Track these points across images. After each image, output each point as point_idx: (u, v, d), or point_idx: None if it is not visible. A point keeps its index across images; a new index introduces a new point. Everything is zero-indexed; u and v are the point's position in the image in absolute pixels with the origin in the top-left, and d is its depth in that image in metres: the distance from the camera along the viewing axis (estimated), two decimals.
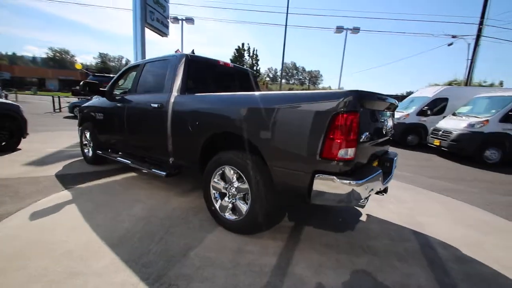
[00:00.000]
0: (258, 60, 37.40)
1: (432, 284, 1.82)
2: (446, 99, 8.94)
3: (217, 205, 2.45)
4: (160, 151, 3.05)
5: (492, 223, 3.01)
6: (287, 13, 18.98)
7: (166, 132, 2.86)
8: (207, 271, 1.80)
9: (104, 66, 67.63)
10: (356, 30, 18.37)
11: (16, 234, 2.15)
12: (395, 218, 2.91)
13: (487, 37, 18.99)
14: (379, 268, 1.96)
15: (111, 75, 21.03)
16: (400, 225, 2.75)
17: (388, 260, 2.09)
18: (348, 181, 1.71)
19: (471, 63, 18.04)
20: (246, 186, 2.18)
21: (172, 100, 2.81)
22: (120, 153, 3.91)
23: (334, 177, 1.72)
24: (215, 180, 2.44)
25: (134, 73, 4.58)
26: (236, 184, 2.30)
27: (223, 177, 2.42)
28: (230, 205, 2.37)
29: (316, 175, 1.78)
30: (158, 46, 48.73)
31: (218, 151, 2.45)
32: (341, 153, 1.70)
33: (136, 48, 13.92)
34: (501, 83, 41.46)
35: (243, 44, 37.20)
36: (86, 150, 4.58)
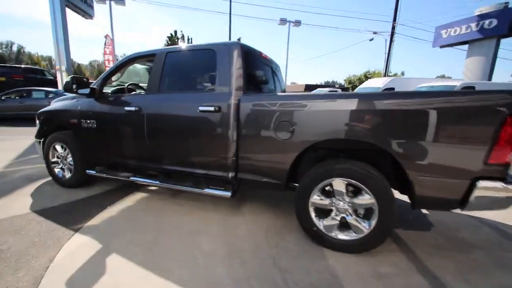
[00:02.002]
0: None
1: None
2: (393, 89, 10.20)
3: (320, 225, 2.10)
4: (213, 165, 2.44)
5: None
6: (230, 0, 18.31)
7: (227, 141, 2.29)
8: None
9: None
10: (298, 23, 19.11)
11: None
12: None
13: (399, 34, 22.43)
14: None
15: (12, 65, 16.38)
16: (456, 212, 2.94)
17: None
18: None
19: (388, 56, 21.16)
20: (369, 200, 1.91)
21: (234, 101, 2.25)
22: (120, 170, 3.01)
23: (501, 183, 1.63)
24: (316, 196, 2.08)
25: (139, 67, 3.62)
26: (350, 199, 2.00)
27: (325, 191, 2.08)
28: (338, 223, 2.07)
29: (477, 182, 1.66)
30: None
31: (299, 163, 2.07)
32: (511, 157, 1.62)
33: (57, 33, 11.20)
34: (402, 73, 50.47)
35: (175, 32, 34.40)
36: (58, 170, 3.39)
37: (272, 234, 2.33)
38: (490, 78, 16.54)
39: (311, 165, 2.16)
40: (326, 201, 2.07)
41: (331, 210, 2.09)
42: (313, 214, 2.11)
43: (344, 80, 48.12)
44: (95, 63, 73.90)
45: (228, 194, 2.37)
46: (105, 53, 15.44)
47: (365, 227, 1.96)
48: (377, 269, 1.88)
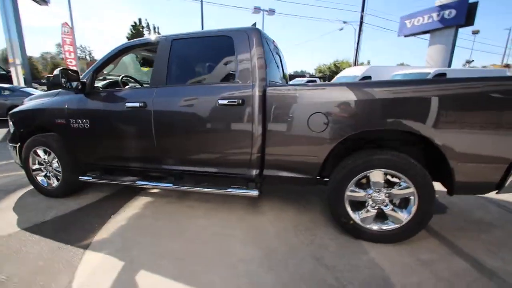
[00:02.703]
0: None
1: None
2: (370, 77, 10.54)
3: (357, 218, 2.04)
4: (234, 162, 2.26)
5: None
6: None
7: (251, 137, 2.12)
8: None
9: None
10: (272, 12, 18.85)
11: None
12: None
13: (368, 24, 23.29)
14: None
15: None
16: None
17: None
18: None
19: (357, 45, 21.85)
20: (408, 190, 1.89)
21: (259, 93, 2.07)
22: (121, 173, 2.70)
23: None
24: (352, 189, 2.01)
25: (134, 58, 3.23)
26: (387, 189, 1.96)
27: (361, 184, 2.03)
28: (374, 215, 2.03)
29: None
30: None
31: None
32: None
33: (7, 21, 9.82)
34: (368, 62, 52.63)
35: (140, 20, 32.26)
36: (42, 178, 2.96)
37: (302, 231, 2.24)
38: (450, 65, 17.81)
39: (339, 157, 2.08)
40: (362, 193, 2.02)
41: (366, 202, 2.04)
42: (349, 208, 2.05)
43: (315, 70, 49.04)
44: (48, 55, 66.94)
45: (254, 193, 2.22)
46: (64, 43, 13.93)
47: (404, 216, 1.95)
48: (419, 257, 1.88)
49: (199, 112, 2.23)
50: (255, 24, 2.28)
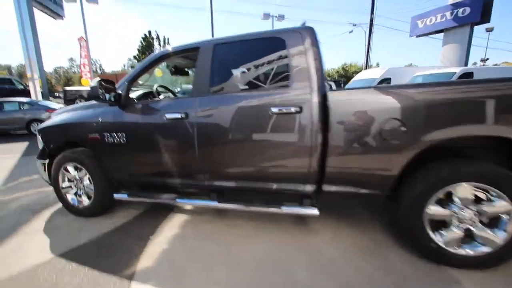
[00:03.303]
0: None
1: None
2: (389, 79, 10.22)
3: (439, 240, 1.76)
4: (288, 177, 2.03)
5: None
6: None
7: (310, 148, 1.88)
8: None
9: None
10: (281, 17, 18.83)
11: None
12: None
13: (378, 25, 22.96)
14: None
15: None
16: None
17: None
18: None
19: (368, 48, 21.52)
20: (506, 207, 1.60)
21: (318, 99, 1.84)
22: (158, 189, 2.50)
23: None
24: (433, 205, 1.74)
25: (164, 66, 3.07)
26: (477, 206, 1.68)
27: (441, 200, 1.75)
28: (460, 235, 1.74)
29: None
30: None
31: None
32: None
33: (25, 37, 10.00)
34: (377, 64, 52.07)
35: (150, 32, 32.89)
36: (72, 197, 2.78)
37: (370, 254, 1.97)
38: (466, 64, 17.27)
39: (413, 168, 1.81)
40: (446, 211, 1.74)
41: (450, 221, 1.76)
42: (428, 228, 1.77)
43: None
44: (61, 69, 69.04)
45: (314, 212, 1.97)
46: (80, 57, 14.18)
47: (498, 237, 1.65)
48: None
49: (248, 122, 2.01)
50: (304, 23, 2.07)
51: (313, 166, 1.92)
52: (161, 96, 2.78)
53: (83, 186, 2.73)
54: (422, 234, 1.78)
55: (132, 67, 35.80)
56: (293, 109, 1.87)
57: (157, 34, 32.98)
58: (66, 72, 65.42)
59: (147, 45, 32.47)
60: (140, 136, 2.34)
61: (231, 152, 2.11)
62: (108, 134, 2.42)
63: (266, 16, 18.32)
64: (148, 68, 2.43)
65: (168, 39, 33.54)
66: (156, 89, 2.70)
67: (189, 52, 2.34)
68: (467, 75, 8.01)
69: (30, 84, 10.68)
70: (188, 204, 2.36)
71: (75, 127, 2.62)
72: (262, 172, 2.09)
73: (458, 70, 8.12)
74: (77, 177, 2.72)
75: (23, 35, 10.04)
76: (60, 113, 2.94)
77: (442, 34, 18.72)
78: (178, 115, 2.16)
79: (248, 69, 2.11)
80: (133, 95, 2.65)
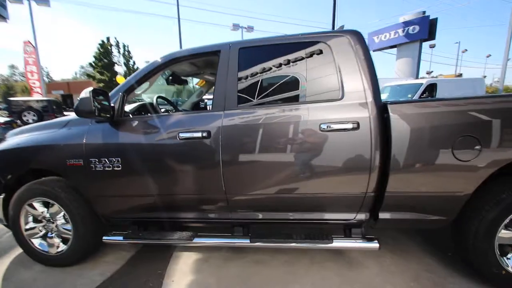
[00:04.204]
0: (131, 57, 32.06)
1: None
2: None
3: (508, 266, 1.58)
4: (339, 204, 1.72)
5: None
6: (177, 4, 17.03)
7: (366, 170, 1.60)
8: None
9: None
10: (250, 29, 18.91)
11: None
12: None
13: None
14: None
15: None
16: None
17: None
18: None
19: None
20: None
21: (376, 113, 1.58)
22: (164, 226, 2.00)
23: None
24: (506, 229, 1.56)
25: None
26: None
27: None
28: None
29: None
30: None
31: None
32: None
33: None
34: None
35: (108, 39, 30.69)
36: (40, 242, 2.12)
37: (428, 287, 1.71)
38: (417, 76, 19.12)
39: (485, 189, 1.62)
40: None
41: None
42: (498, 254, 1.58)
43: None
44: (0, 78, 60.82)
45: (374, 245, 1.67)
46: (26, 63, 12.42)
47: None
48: None
49: (290, 141, 1.66)
50: (343, 26, 1.81)
51: (370, 191, 1.63)
52: (162, 110, 2.29)
53: (56, 226, 2.08)
54: (491, 260, 1.58)
55: (88, 75, 32.87)
56: (348, 125, 1.57)
57: (117, 41, 30.91)
58: (6, 81, 57.85)
59: (104, 51, 30.17)
60: (143, 161, 1.83)
61: (266, 178, 1.73)
62: (96, 159, 1.86)
63: (236, 26, 18.25)
64: (150, 74, 1.95)
65: (128, 46, 31.65)
66: (156, 100, 2.20)
67: (205, 57, 1.94)
68: (431, 86, 8.68)
69: None
70: (208, 244, 1.89)
71: (46, 152, 1.99)
72: (305, 200, 1.74)
73: (424, 81, 8.74)
74: (47, 216, 2.07)
75: None
76: (19, 134, 2.26)
77: (395, 49, 20.56)
78: (197, 134, 1.72)
79: (283, 79, 1.77)
80: (127, 108, 2.13)
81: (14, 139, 2.19)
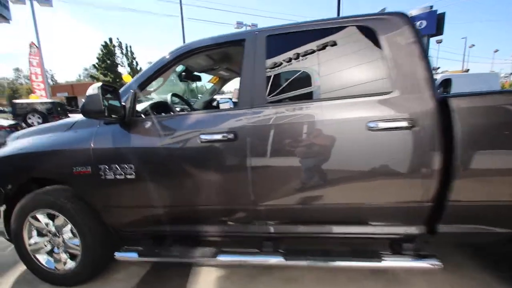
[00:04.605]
0: (134, 58, 31.96)
1: None
2: None
3: None
4: (390, 215, 1.48)
5: None
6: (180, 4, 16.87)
7: (425, 175, 1.35)
8: None
9: None
10: (254, 26, 18.62)
11: None
12: None
13: None
14: None
15: None
16: None
17: None
18: None
19: None
20: None
21: (435, 107, 1.32)
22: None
23: None
24: None
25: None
26: None
27: None
28: None
29: None
30: None
31: None
32: None
33: None
34: None
35: (111, 40, 30.64)
36: (45, 258, 1.91)
37: None
38: None
39: None
40: None
41: None
42: None
43: None
44: (4, 81, 61.35)
45: (436, 263, 1.42)
46: (30, 65, 12.32)
47: None
48: None
49: (329, 143, 1.42)
50: (384, 9, 1.57)
51: (427, 200, 1.38)
52: (177, 109, 2.06)
53: (63, 241, 1.87)
54: None
55: (91, 76, 32.91)
56: (401, 123, 1.32)
57: (120, 42, 30.83)
58: (11, 83, 58.39)
59: (107, 52, 30.14)
60: (159, 167, 1.61)
61: (302, 186, 1.49)
62: (106, 166, 1.63)
63: (239, 25, 18.01)
64: (165, 68, 1.72)
65: (130, 46, 31.56)
66: (171, 98, 1.97)
67: (227, 47, 1.70)
68: (446, 81, 8.36)
69: None
70: (234, 262, 1.65)
71: (49, 159, 1.77)
72: (348, 211, 1.50)
73: (439, 76, 8.43)
74: (52, 229, 1.86)
75: None
76: (21, 137, 2.05)
77: None
78: (221, 136, 1.49)
79: (320, 69, 1.52)
80: (138, 107, 1.90)
81: (15, 143, 1.98)
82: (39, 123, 9.89)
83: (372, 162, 1.39)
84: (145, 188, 1.64)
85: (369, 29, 1.45)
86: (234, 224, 1.66)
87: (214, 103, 3.35)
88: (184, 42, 17.44)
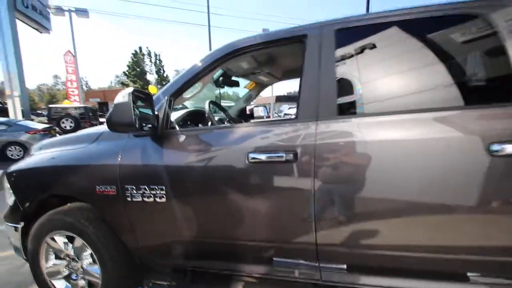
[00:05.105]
0: (162, 65, 33.18)
1: None
2: None
3: None
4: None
5: None
6: (208, 12, 17.19)
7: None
8: None
9: None
10: None
11: None
12: None
13: None
14: None
15: None
16: None
17: None
18: None
19: None
20: None
21: None
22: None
23: None
24: None
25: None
26: None
27: None
28: None
29: None
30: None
31: None
32: None
33: (5, 51, 8.79)
34: None
35: (140, 48, 32.07)
36: (63, 284, 1.67)
37: None
38: None
39: None
40: None
41: None
42: None
43: None
44: (44, 86, 66.31)
45: None
46: (66, 72, 13.00)
47: None
48: None
49: (436, 167, 1.03)
50: None
51: None
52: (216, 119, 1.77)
53: (81, 267, 1.62)
54: None
55: (122, 83, 34.53)
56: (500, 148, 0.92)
57: (149, 50, 32.20)
58: (50, 89, 63.07)
59: (137, 60, 31.53)
60: (195, 191, 1.31)
61: (382, 224, 1.11)
62: (133, 186, 1.36)
63: (266, 31, 17.88)
64: (205, 72, 1.43)
65: (159, 55, 32.81)
66: (209, 106, 1.69)
67: (282, 45, 1.38)
68: None
69: (8, 101, 9.38)
70: None
71: (70, 174, 1.54)
72: (451, 260, 1.09)
73: None
74: (71, 254, 1.62)
75: (3, 48, 8.84)
76: (44, 148, 1.85)
77: None
78: (276, 155, 1.16)
79: (411, 71, 1.15)
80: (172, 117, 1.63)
81: (37, 156, 1.79)
82: (71, 127, 10.28)
83: (499, 196, 0.98)
84: (178, 215, 1.35)
85: (481, 17, 1.07)
86: (287, 266, 1.30)
87: (247, 111, 3.06)
88: (210, 49, 17.69)
